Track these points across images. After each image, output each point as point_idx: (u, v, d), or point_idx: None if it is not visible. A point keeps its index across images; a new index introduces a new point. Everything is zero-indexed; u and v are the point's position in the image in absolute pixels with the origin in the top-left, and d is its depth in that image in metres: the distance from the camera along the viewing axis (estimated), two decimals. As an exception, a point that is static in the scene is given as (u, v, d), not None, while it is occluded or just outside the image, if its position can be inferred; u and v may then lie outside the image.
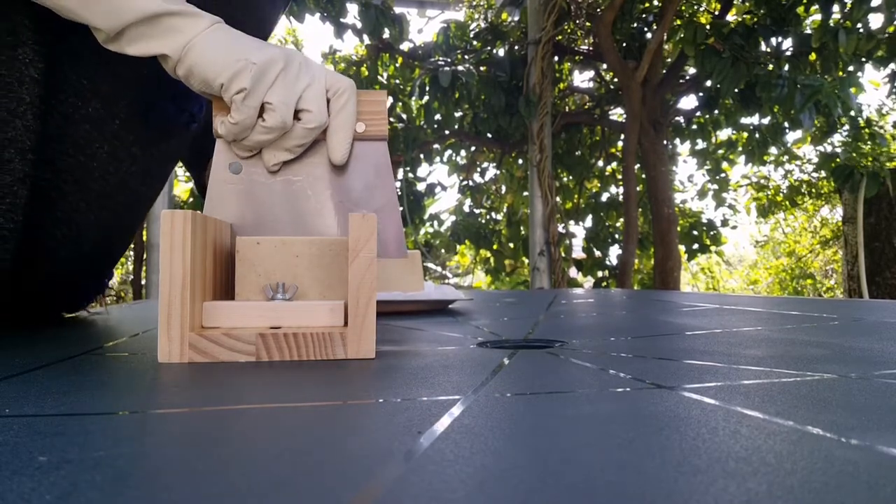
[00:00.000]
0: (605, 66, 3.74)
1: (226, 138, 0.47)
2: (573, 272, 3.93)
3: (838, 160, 3.45)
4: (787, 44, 2.97)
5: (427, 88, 3.33)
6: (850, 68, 2.93)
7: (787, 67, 2.84)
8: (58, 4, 0.46)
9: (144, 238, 3.03)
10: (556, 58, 3.58)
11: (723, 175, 4.18)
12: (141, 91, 0.58)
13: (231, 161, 0.49)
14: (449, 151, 4.35)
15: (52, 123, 0.54)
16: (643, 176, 3.45)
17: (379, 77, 3.76)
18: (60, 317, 0.73)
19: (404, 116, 3.92)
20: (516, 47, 3.56)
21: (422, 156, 4.07)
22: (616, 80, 3.55)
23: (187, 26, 0.46)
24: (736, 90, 2.79)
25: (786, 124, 3.37)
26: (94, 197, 0.60)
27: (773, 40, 2.95)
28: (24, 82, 0.49)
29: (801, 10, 2.91)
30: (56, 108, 0.54)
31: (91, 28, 0.47)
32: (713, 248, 4.02)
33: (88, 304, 0.74)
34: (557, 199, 3.57)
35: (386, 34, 3.29)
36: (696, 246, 3.97)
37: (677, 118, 3.78)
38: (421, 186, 4.17)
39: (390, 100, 3.81)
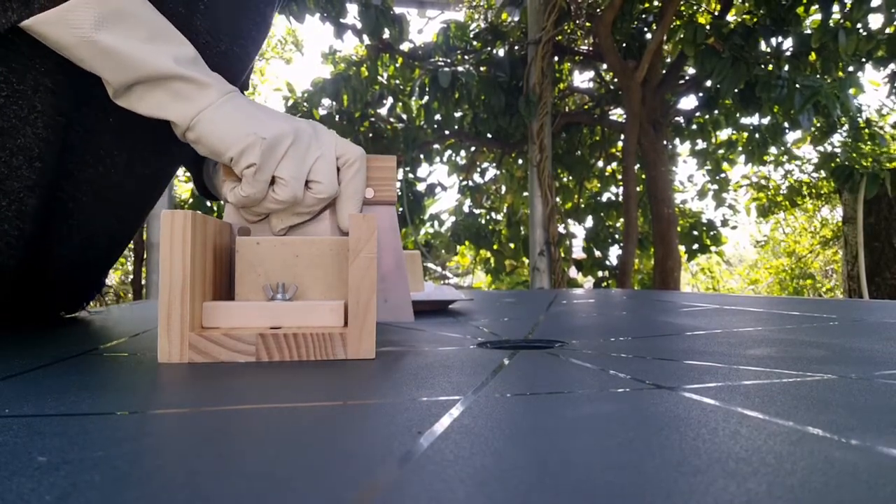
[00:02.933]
0: (604, 66, 3.74)
1: (236, 206, 0.48)
2: (573, 272, 3.93)
3: (838, 160, 3.45)
4: (787, 44, 2.97)
5: (427, 89, 3.33)
6: (850, 69, 2.93)
7: (786, 68, 2.84)
8: (71, 54, 0.45)
9: (144, 238, 3.02)
10: (556, 58, 3.58)
11: (723, 175, 4.18)
12: None
13: (239, 225, 0.49)
14: (449, 152, 4.35)
15: (74, 135, 0.54)
16: (643, 176, 3.46)
17: (379, 77, 3.77)
18: (60, 317, 0.73)
19: (404, 116, 3.92)
20: (516, 47, 3.56)
21: (422, 156, 4.07)
22: (616, 80, 3.55)
23: (198, 96, 0.46)
24: (736, 90, 2.79)
25: (785, 124, 3.37)
26: (109, 205, 0.60)
27: (773, 40, 2.95)
28: (38, 90, 0.49)
29: (800, 10, 2.91)
30: (79, 121, 0.54)
31: (103, 80, 0.47)
32: (713, 248, 4.02)
33: (88, 304, 0.75)
34: (557, 199, 3.57)
35: (386, 34, 3.29)
36: (696, 246, 3.97)
37: (677, 118, 3.78)
38: (421, 187, 4.17)
39: (390, 101, 3.82)
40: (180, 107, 0.46)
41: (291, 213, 0.48)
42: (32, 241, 0.55)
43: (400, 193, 3.99)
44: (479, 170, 4.52)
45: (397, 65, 3.80)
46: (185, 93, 0.46)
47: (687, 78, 3.53)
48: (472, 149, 4.30)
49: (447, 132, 3.93)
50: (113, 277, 5.78)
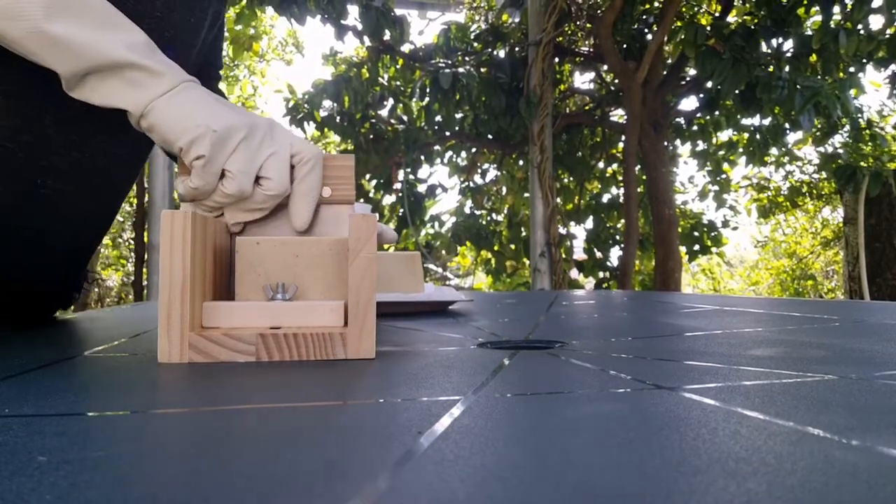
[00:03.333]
0: (605, 67, 3.74)
1: (185, 199, 0.47)
2: (574, 273, 3.93)
3: (839, 161, 3.45)
4: (788, 45, 2.97)
5: (428, 90, 3.33)
6: (851, 69, 2.93)
7: (787, 69, 2.84)
8: (20, 47, 0.45)
9: (146, 239, 3.03)
10: (556, 59, 3.58)
11: (723, 176, 4.18)
12: None
13: None
14: (450, 153, 4.35)
15: (49, 125, 0.54)
16: (644, 177, 3.46)
17: (380, 78, 3.77)
18: (54, 313, 0.73)
19: (405, 118, 3.92)
20: (517, 49, 3.57)
21: (422, 157, 4.07)
22: (616, 81, 3.55)
23: (152, 84, 0.45)
24: (736, 91, 2.79)
25: (786, 125, 3.37)
26: (90, 190, 0.60)
27: (774, 41, 2.95)
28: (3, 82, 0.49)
29: (801, 11, 2.91)
30: (50, 111, 0.54)
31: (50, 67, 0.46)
32: (714, 249, 4.02)
33: (79, 295, 0.75)
34: (558, 200, 3.57)
35: (387, 36, 3.30)
36: (696, 247, 3.97)
37: (678, 119, 3.78)
38: (422, 188, 4.17)
39: (391, 102, 3.82)
40: (133, 95, 0.45)
41: (242, 210, 0.47)
42: (18, 233, 0.55)
43: (401, 195, 4.00)
44: (479, 171, 4.52)
45: (398, 66, 3.80)
46: (138, 80, 0.45)
47: (687, 79, 3.53)
48: (473, 150, 4.31)
49: (448, 133, 3.93)
50: (115, 278, 5.79)
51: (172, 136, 0.44)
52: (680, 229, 3.64)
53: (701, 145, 4.02)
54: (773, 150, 3.96)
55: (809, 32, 2.91)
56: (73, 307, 0.76)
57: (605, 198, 4.26)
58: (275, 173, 0.46)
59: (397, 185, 4.04)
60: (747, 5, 3.32)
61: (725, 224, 4.18)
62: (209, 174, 0.44)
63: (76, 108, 0.52)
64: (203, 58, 0.72)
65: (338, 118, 3.71)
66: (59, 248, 0.61)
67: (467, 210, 4.46)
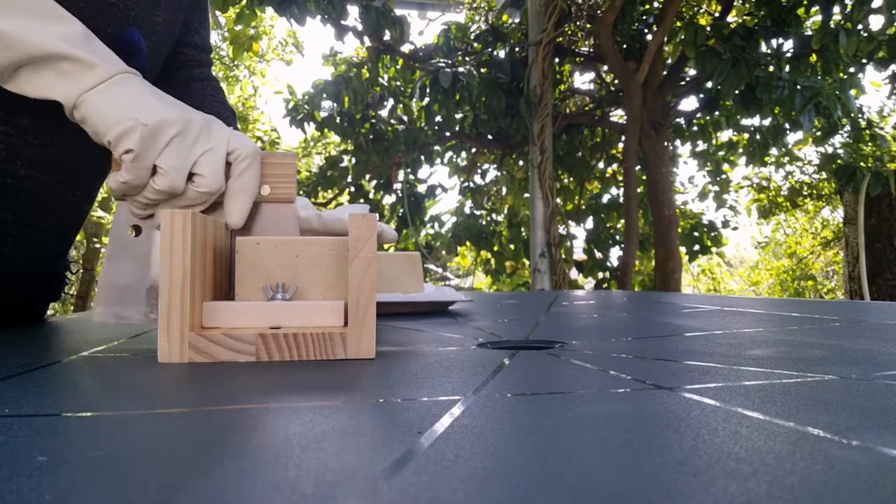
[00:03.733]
0: (605, 67, 3.75)
1: (115, 194, 0.46)
2: (574, 274, 3.93)
3: (840, 161, 3.45)
4: (788, 45, 2.97)
5: (428, 90, 3.33)
6: (851, 70, 2.93)
7: (787, 69, 2.84)
8: None
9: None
10: (556, 59, 3.58)
11: (723, 176, 4.18)
12: None
13: (132, 223, 0.48)
14: (450, 153, 4.35)
15: (22, 115, 0.54)
16: (644, 177, 3.46)
17: (380, 79, 3.77)
18: (46, 309, 0.73)
19: (405, 118, 3.92)
20: (517, 49, 3.57)
21: (422, 157, 4.08)
22: (616, 81, 3.55)
23: (84, 75, 0.45)
24: (736, 91, 2.79)
25: (786, 125, 3.38)
26: (69, 178, 0.60)
27: (774, 41, 2.95)
28: None
29: (801, 11, 2.92)
30: (21, 99, 0.55)
31: None
32: (714, 249, 4.02)
33: (64, 288, 0.75)
34: (558, 200, 3.57)
35: (387, 36, 3.30)
36: (696, 247, 3.97)
37: (678, 119, 3.78)
38: (422, 188, 4.17)
39: (391, 102, 3.82)
40: (66, 86, 0.45)
41: (174, 207, 0.46)
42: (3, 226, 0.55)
43: (401, 195, 4.00)
44: (479, 171, 4.52)
45: (398, 66, 3.81)
46: (71, 72, 0.45)
47: (687, 79, 3.53)
48: (473, 150, 4.31)
49: (448, 133, 3.94)
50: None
51: (102, 129, 0.44)
52: (680, 229, 3.65)
53: (701, 145, 4.03)
54: (773, 151, 3.97)
55: (809, 32, 2.91)
56: (72, 304, 0.76)
57: (605, 198, 4.26)
58: (208, 170, 0.45)
59: (397, 186, 4.05)
60: (747, 5, 3.32)
61: (725, 224, 4.18)
62: (139, 169, 0.44)
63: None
64: (183, 38, 0.70)
65: (338, 118, 3.71)
66: (44, 241, 0.61)
67: (467, 210, 4.46)
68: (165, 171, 0.44)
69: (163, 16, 0.63)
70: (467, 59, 3.59)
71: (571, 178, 4.19)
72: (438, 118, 3.65)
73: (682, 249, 3.77)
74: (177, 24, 0.68)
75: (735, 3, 3.33)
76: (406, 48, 3.64)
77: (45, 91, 0.45)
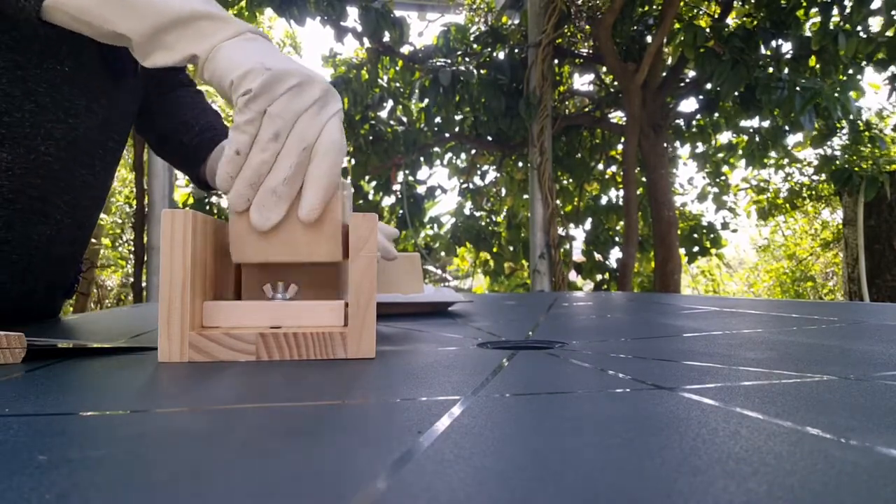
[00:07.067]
0: (605, 68, 3.75)
1: (222, 178, 0.42)
2: (573, 275, 3.93)
3: (838, 163, 3.46)
4: (787, 46, 2.98)
5: (427, 91, 3.34)
6: (850, 71, 2.94)
7: (786, 70, 2.84)
8: (91, 16, 0.46)
9: (145, 240, 3.03)
10: (556, 60, 3.58)
11: (723, 178, 4.18)
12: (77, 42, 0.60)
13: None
14: (449, 154, 4.35)
15: (42, 93, 0.58)
16: (643, 179, 3.46)
17: (379, 80, 3.77)
18: (61, 304, 0.74)
19: (404, 119, 3.92)
20: (516, 50, 3.57)
21: (422, 158, 4.08)
22: (616, 82, 3.55)
23: (219, 31, 0.46)
24: (736, 93, 2.79)
25: (786, 127, 3.38)
26: (84, 157, 0.64)
27: (773, 43, 2.95)
28: None
29: (800, 12, 2.92)
30: (42, 77, 0.58)
31: (120, 41, 0.47)
32: (713, 250, 4.02)
33: (79, 281, 0.77)
34: (557, 201, 3.57)
35: (386, 37, 3.30)
36: (696, 249, 3.98)
37: (677, 121, 3.78)
38: (421, 189, 4.17)
39: (390, 104, 3.82)
40: (204, 42, 0.46)
41: (270, 190, 0.42)
42: (26, 202, 0.59)
43: (400, 196, 4.00)
44: (479, 172, 4.52)
45: (397, 67, 3.81)
46: (209, 29, 0.46)
47: (687, 80, 3.54)
48: (473, 151, 4.31)
49: (447, 135, 3.94)
50: (114, 279, 5.79)
51: (227, 71, 0.44)
52: (679, 231, 3.65)
53: (700, 147, 4.03)
54: (773, 152, 3.97)
55: (809, 34, 2.91)
56: (72, 304, 0.77)
57: (605, 199, 4.26)
58: (337, 133, 0.44)
59: (397, 187, 4.04)
60: (746, 7, 3.32)
61: (725, 226, 4.18)
62: (252, 111, 0.42)
63: (64, 75, 0.53)
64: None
65: (337, 119, 3.70)
66: (61, 220, 0.64)
67: (467, 211, 4.46)
68: (272, 116, 0.42)
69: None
70: (467, 60, 3.60)
71: (571, 180, 4.19)
72: (438, 119, 3.65)
73: (682, 251, 3.77)
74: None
75: (734, 5, 3.33)
76: (406, 49, 3.65)
77: (184, 50, 0.46)
